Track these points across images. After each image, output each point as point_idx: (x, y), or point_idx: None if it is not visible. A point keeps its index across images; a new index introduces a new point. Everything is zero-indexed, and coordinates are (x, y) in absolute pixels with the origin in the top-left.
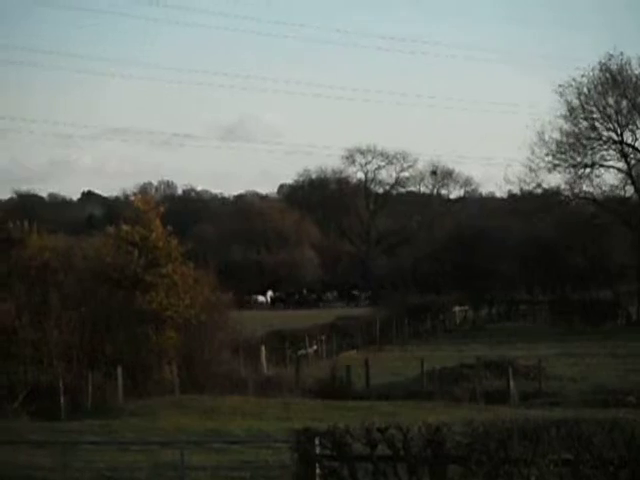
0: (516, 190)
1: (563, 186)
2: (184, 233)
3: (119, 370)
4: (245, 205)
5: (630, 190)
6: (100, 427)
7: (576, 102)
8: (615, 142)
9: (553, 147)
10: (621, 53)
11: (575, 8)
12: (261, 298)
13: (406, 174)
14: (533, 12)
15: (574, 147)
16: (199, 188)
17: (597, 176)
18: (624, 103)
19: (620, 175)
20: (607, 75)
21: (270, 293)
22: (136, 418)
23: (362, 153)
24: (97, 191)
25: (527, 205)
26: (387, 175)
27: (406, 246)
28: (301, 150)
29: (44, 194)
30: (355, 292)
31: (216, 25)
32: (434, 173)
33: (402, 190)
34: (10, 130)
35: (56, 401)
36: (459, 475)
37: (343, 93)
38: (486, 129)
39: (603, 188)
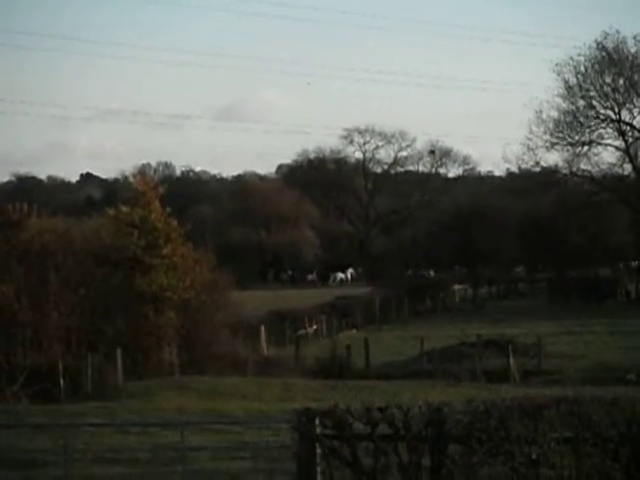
0: (514, 169)
1: (561, 164)
2: (183, 214)
3: (118, 352)
4: (244, 185)
5: (628, 168)
6: (100, 409)
7: (573, 81)
8: (613, 120)
9: (551, 126)
10: (617, 31)
11: None
12: (341, 275)
13: (404, 154)
14: None
15: (572, 125)
16: (197, 169)
17: (595, 154)
18: (621, 81)
19: (618, 153)
20: (604, 54)
21: (351, 270)
22: (136, 400)
23: (360, 133)
24: (95, 173)
25: (525, 184)
26: (385, 155)
27: (405, 226)
28: (299, 130)
29: (43, 176)
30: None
31: (212, 5)
32: (432, 152)
33: (400, 170)
34: (6, 112)
35: (55, 384)
36: (460, 454)
37: (341, 73)
38: (484, 108)
39: (601, 166)
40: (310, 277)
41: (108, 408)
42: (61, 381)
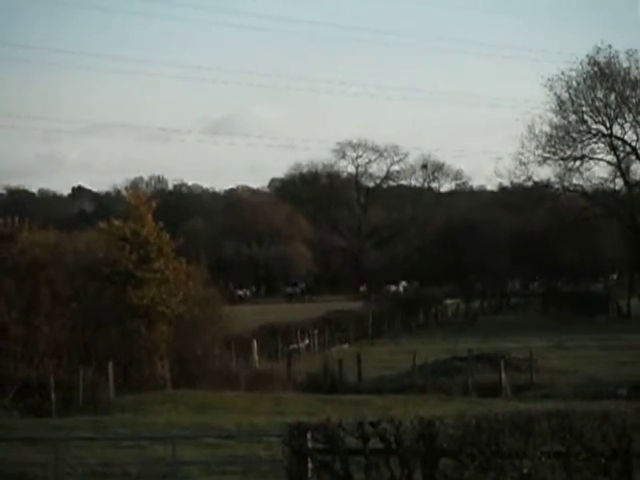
0: (506, 183)
1: (553, 179)
2: (175, 228)
3: (110, 366)
4: (236, 199)
5: (619, 183)
6: (91, 423)
7: (565, 95)
8: (604, 135)
9: (543, 140)
10: (609, 46)
11: (563, 2)
12: (393, 288)
13: (397, 168)
14: (522, 6)
15: (564, 140)
16: (190, 183)
17: (587, 169)
18: (613, 96)
19: (609, 168)
20: (595, 69)
21: (404, 283)
22: (128, 413)
23: (353, 147)
24: (87, 186)
25: (518, 198)
26: (378, 169)
27: (398, 240)
28: (292, 144)
29: (34, 190)
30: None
31: (204, 19)
32: (425, 167)
33: (393, 184)
34: None
35: (47, 397)
36: (451, 468)
37: (334, 87)
38: (476, 123)
39: (593, 181)
40: None
41: (99, 422)
42: (52, 395)
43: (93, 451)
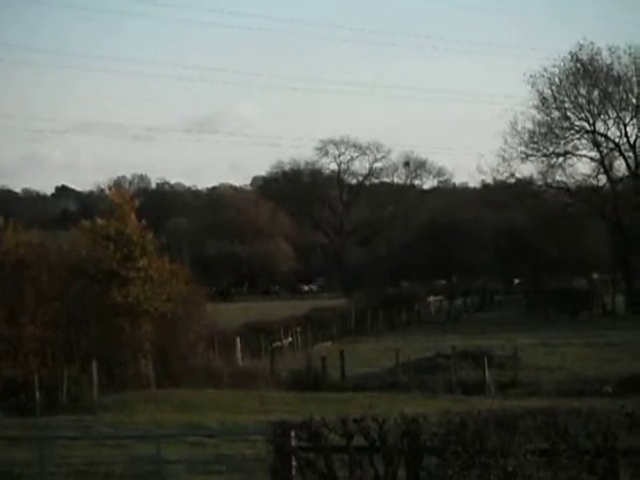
0: (489, 180)
1: (536, 176)
2: (159, 226)
3: (94, 365)
4: (219, 198)
5: (603, 179)
6: (75, 422)
7: (548, 92)
8: (587, 131)
9: (526, 137)
10: (591, 43)
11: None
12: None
13: (379, 165)
14: (503, 2)
15: (547, 137)
16: (173, 181)
17: (570, 165)
18: (595, 93)
19: (593, 164)
20: (578, 65)
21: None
22: (111, 412)
23: (335, 144)
24: (71, 186)
25: (501, 195)
26: (360, 166)
27: (380, 237)
28: (274, 142)
29: (18, 189)
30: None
31: (186, 19)
32: (407, 164)
33: (375, 181)
34: None
35: (31, 396)
36: (435, 466)
37: (316, 85)
38: (458, 119)
39: (576, 177)
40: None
41: (84, 421)
42: (37, 394)
43: (77, 450)
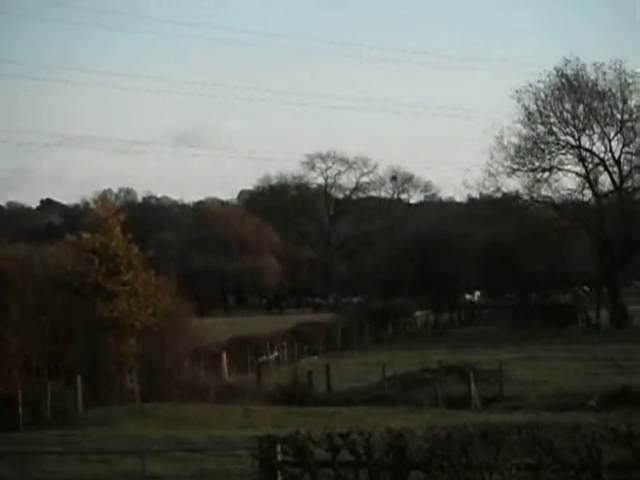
0: (475, 195)
1: (522, 190)
2: (145, 240)
3: (79, 379)
4: (205, 212)
5: (588, 194)
6: (60, 437)
7: (533, 107)
8: (573, 146)
9: (512, 152)
10: (577, 58)
11: (531, 15)
12: (468, 296)
13: (366, 179)
14: (490, 18)
15: (532, 151)
16: (159, 195)
17: (555, 180)
18: (580, 108)
19: (578, 179)
20: (563, 80)
21: (478, 292)
22: (96, 427)
23: (322, 158)
24: (56, 199)
25: (487, 210)
26: (347, 180)
27: (367, 251)
28: (261, 156)
29: (2, 202)
30: (317, 300)
31: (173, 32)
32: (394, 178)
33: (362, 195)
34: None
35: (15, 411)
36: None
37: (302, 99)
38: (445, 134)
39: (561, 192)
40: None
41: (68, 436)
42: (20, 409)
43: (62, 465)
